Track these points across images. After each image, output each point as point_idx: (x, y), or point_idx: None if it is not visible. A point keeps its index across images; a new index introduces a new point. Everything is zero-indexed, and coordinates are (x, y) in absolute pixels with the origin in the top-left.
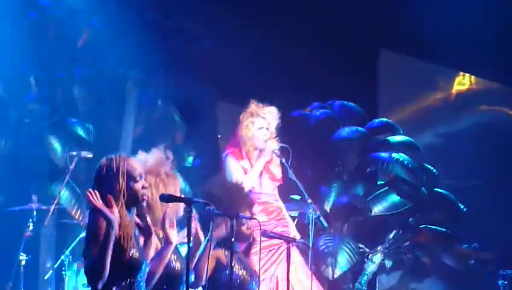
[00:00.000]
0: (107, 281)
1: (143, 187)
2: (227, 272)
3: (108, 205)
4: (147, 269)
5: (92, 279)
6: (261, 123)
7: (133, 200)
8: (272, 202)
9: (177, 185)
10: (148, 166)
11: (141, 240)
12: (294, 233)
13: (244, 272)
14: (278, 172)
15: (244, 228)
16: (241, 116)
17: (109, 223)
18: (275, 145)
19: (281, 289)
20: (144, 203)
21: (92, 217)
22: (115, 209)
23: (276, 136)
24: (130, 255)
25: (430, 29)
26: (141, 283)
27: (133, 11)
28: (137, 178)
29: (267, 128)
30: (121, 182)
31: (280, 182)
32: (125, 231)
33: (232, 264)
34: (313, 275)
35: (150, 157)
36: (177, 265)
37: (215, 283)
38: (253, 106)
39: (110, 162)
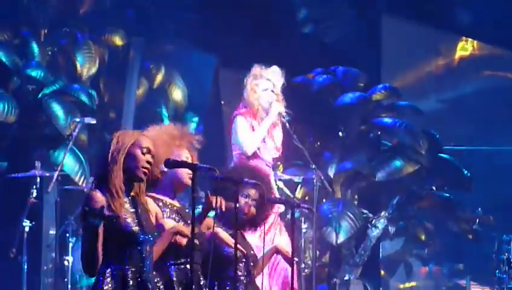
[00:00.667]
0: (104, 255)
1: (148, 162)
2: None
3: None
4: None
5: (86, 268)
6: (266, 84)
7: (132, 169)
8: (266, 169)
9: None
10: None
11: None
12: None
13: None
14: (279, 140)
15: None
16: (245, 80)
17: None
18: (280, 107)
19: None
20: (143, 177)
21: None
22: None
23: (282, 98)
24: (125, 229)
25: None
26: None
27: None
28: (144, 150)
29: (272, 90)
30: (125, 145)
31: (279, 151)
32: (118, 208)
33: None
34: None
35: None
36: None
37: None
38: (257, 69)
39: (119, 135)
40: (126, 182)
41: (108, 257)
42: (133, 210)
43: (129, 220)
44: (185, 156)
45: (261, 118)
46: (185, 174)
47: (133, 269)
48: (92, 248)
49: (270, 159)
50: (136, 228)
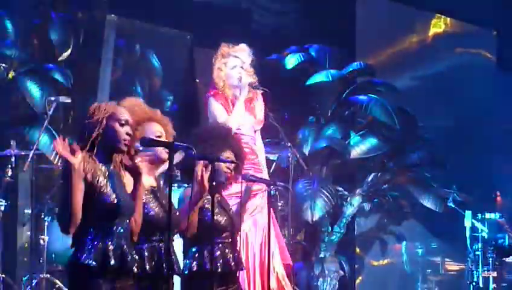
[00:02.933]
0: (84, 226)
1: (127, 134)
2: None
3: (73, 151)
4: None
5: (61, 223)
6: (234, 62)
7: (114, 143)
8: (250, 145)
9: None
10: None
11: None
12: None
13: (226, 216)
14: (260, 113)
15: (224, 165)
16: (213, 60)
17: (70, 166)
18: (249, 78)
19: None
20: (124, 149)
21: (62, 164)
22: (79, 154)
23: (254, 73)
24: (105, 199)
25: None
26: (123, 230)
27: None
28: (123, 122)
29: (242, 67)
30: (102, 120)
31: (261, 124)
32: (95, 176)
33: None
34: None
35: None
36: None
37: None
38: (224, 48)
39: (96, 106)
40: (106, 155)
41: (88, 228)
42: (110, 183)
43: (109, 191)
44: (158, 130)
45: (231, 96)
46: (162, 150)
47: (113, 241)
48: (65, 196)
49: (249, 131)
50: (115, 200)
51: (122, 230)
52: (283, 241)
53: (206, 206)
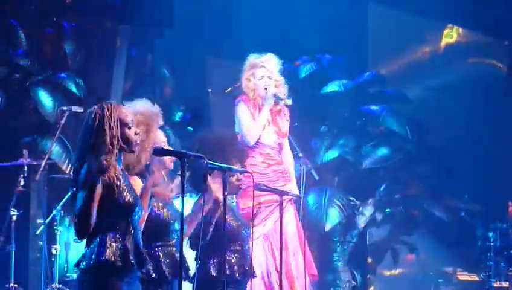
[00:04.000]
0: (101, 226)
1: (135, 133)
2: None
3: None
4: (142, 213)
5: (80, 231)
6: (262, 72)
7: (125, 147)
8: (273, 155)
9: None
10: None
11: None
12: (295, 191)
13: (235, 221)
14: (284, 126)
15: (234, 178)
16: (242, 71)
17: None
18: (274, 89)
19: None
20: (136, 149)
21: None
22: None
23: (284, 82)
24: (124, 199)
25: None
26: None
27: None
28: (130, 124)
29: (269, 77)
30: (114, 128)
31: (285, 136)
32: (116, 178)
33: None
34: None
35: (141, 107)
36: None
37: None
38: (251, 58)
39: (102, 110)
40: (118, 156)
41: (107, 227)
42: (127, 182)
43: (127, 191)
44: (162, 139)
45: (260, 105)
46: (167, 158)
47: (130, 240)
48: (87, 205)
49: (271, 142)
50: (132, 199)
51: (136, 230)
52: (309, 251)
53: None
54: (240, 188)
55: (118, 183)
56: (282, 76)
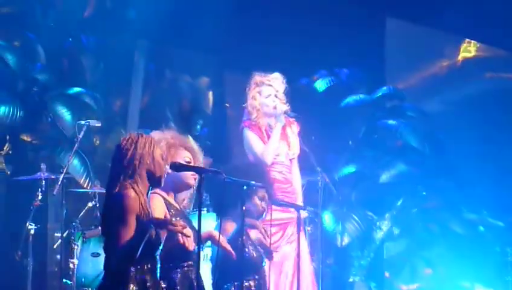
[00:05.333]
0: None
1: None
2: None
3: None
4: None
5: (124, 262)
6: (268, 91)
7: (158, 176)
8: (285, 173)
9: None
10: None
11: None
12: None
13: (255, 252)
14: (295, 141)
15: (256, 199)
16: (247, 89)
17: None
18: (284, 106)
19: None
20: (163, 182)
21: (120, 197)
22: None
23: (286, 102)
24: (151, 234)
25: None
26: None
27: None
28: (164, 156)
29: (276, 95)
30: (149, 155)
31: (296, 152)
32: (145, 211)
33: (243, 238)
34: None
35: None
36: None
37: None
38: (257, 77)
39: (137, 137)
40: (148, 184)
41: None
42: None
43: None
44: (186, 157)
45: (265, 125)
46: (189, 175)
47: (151, 270)
48: (138, 247)
49: (286, 160)
50: (158, 234)
51: (158, 259)
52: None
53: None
54: (264, 213)
55: (144, 215)
56: (286, 96)
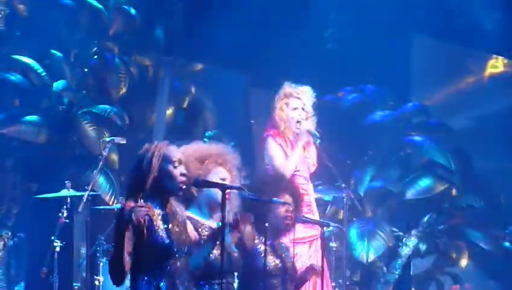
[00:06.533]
0: (138, 268)
1: (181, 174)
2: (261, 258)
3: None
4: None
5: (114, 278)
6: (296, 103)
7: (170, 186)
8: (305, 188)
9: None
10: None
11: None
12: None
13: (278, 261)
14: (314, 156)
15: (282, 210)
16: (276, 98)
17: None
18: (309, 125)
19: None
20: (181, 191)
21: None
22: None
23: (313, 115)
24: (160, 242)
25: (463, 12)
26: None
27: None
28: (176, 163)
29: (303, 108)
30: (154, 165)
31: (314, 166)
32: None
33: (266, 249)
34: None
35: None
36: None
37: (248, 268)
38: (287, 87)
39: (148, 147)
40: (163, 198)
41: (143, 270)
42: (165, 226)
43: (162, 234)
44: (221, 174)
45: (289, 138)
46: (219, 195)
47: (167, 284)
48: (119, 253)
49: (306, 173)
50: (169, 242)
51: (175, 272)
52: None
53: (260, 250)
54: (288, 226)
55: (151, 227)
56: (314, 110)
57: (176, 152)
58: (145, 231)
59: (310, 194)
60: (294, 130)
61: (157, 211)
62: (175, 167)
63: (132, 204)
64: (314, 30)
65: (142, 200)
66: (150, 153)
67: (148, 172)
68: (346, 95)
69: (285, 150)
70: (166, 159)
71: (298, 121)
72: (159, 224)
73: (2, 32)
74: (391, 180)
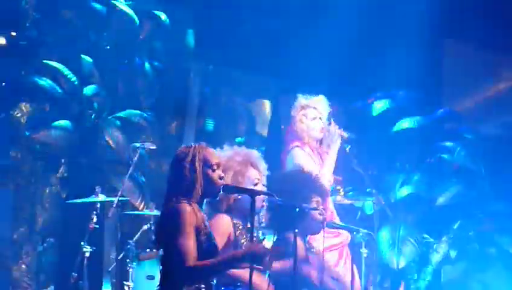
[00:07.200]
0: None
1: (220, 177)
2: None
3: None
4: None
5: (192, 279)
6: (314, 113)
7: (209, 190)
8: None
9: None
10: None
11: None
12: None
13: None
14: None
15: (315, 212)
16: (292, 112)
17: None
18: (343, 133)
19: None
20: (219, 194)
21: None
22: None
23: (329, 123)
24: (205, 247)
25: (495, 18)
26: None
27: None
28: (215, 167)
29: (320, 118)
30: (197, 169)
31: (333, 175)
32: (205, 228)
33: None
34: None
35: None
36: None
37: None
38: (302, 99)
39: (187, 150)
40: (202, 200)
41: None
42: (209, 229)
43: (209, 236)
44: (256, 178)
45: (315, 146)
46: (259, 201)
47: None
48: (190, 252)
49: (327, 182)
50: (214, 243)
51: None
52: None
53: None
54: (324, 226)
55: (201, 230)
56: (329, 119)
57: (215, 155)
58: (202, 237)
59: (331, 205)
60: (319, 137)
61: (204, 215)
62: (214, 171)
63: (186, 207)
64: (344, 36)
65: (197, 205)
66: (191, 156)
67: (194, 176)
68: (376, 101)
69: (314, 160)
70: (206, 163)
71: (321, 129)
72: (205, 227)
73: (33, 37)
74: (422, 187)
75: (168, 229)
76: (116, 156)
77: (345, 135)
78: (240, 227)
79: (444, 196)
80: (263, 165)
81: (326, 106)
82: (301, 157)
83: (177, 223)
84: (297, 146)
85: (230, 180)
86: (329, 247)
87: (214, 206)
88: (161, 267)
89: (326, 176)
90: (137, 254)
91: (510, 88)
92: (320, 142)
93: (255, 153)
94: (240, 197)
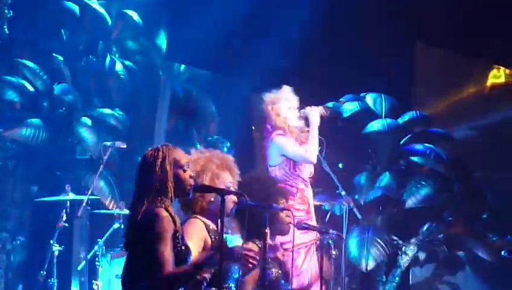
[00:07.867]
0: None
1: (190, 177)
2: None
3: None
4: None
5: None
6: (286, 104)
7: (180, 190)
8: (306, 192)
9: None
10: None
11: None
12: None
13: (277, 270)
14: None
15: (283, 215)
16: (264, 109)
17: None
18: (319, 108)
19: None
20: (190, 194)
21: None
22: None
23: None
24: (178, 248)
25: (466, 21)
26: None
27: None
28: (185, 167)
29: (294, 107)
30: (168, 169)
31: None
32: (175, 229)
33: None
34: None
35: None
36: None
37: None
38: (270, 95)
39: (156, 151)
40: (172, 200)
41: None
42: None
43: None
44: (229, 181)
45: (296, 137)
46: (230, 202)
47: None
48: (166, 257)
49: (307, 175)
50: (185, 249)
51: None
52: None
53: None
54: (290, 228)
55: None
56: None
57: (184, 155)
58: (175, 241)
59: (310, 200)
60: (297, 126)
61: (177, 219)
62: (184, 171)
63: (164, 212)
64: (316, 37)
65: (170, 207)
66: (161, 157)
67: (165, 177)
68: (347, 103)
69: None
70: (176, 164)
71: (298, 117)
72: (179, 232)
73: (4, 35)
74: (391, 189)
75: (145, 235)
76: (86, 155)
77: (325, 112)
78: (214, 230)
79: (413, 199)
80: (236, 171)
81: (293, 93)
82: (285, 144)
83: (155, 229)
84: (278, 134)
85: (208, 181)
86: (299, 245)
87: (187, 208)
88: (128, 268)
89: (312, 152)
90: (107, 252)
91: (481, 91)
92: (301, 130)
93: (231, 158)
94: (212, 199)
